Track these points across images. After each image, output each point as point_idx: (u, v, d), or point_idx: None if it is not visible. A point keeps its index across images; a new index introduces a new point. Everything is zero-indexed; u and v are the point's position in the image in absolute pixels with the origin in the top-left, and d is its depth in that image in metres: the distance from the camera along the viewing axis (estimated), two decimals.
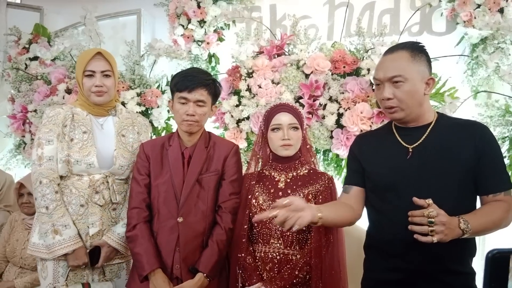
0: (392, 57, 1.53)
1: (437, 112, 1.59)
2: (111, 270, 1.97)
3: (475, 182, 1.47)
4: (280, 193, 1.73)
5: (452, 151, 1.47)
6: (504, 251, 0.72)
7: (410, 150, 1.53)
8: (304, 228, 1.66)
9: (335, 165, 2.51)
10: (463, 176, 1.46)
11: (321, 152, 2.57)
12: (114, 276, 1.97)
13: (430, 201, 1.31)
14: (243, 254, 1.73)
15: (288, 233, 1.68)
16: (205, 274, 1.75)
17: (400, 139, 1.57)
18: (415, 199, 1.32)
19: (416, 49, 1.52)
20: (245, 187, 1.83)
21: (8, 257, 2.56)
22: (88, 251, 1.86)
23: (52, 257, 1.83)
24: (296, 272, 1.64)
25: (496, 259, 0.72)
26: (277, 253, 1.69)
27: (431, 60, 1.57)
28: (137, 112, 2.82)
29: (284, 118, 1.74)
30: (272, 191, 1.75)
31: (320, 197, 1.71)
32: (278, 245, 1.70)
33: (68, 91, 2.97)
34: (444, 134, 1.51)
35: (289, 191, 1.72)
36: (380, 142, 1.63)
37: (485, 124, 2.21)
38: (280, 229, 1.68)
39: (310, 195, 1.71)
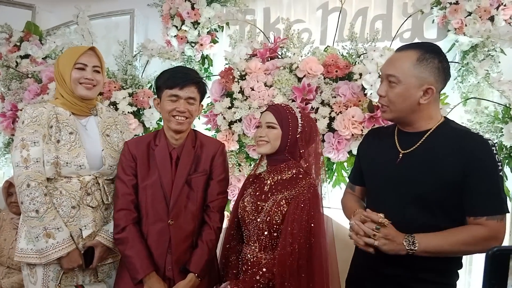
0: (399, 55, 1.48)
1: (445, 118, 1.51)
2: (103, 271, 1.94)
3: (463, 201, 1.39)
4: (263, 196, 1.70)
5: (438, 164, 1.41)
6: (504, 249, 0.73)
7: (400, 155, 1.50)
8: (276, 234, 1.63)
9: (326, 169, 2.52)
10: (443, 193, 1.39)
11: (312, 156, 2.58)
12: (105, 276, 1.94)
13: (381, 216, 1.38)
14: (228, 252, 1.77)
15: (262, 237, 1.65)
16: (196, 274, 1.75)
17: (397, 142, 1.53)
18: (368, 211, 1.41)
19: (429, 52, 1.44)
20: (243, 188, 1.83)
21: None
22: (82, 252, 1.83)
23: (45, 262, 1.77)
24: (258, 277, 1.60)
25: (497, 256, 0.73)
26: (251, 255, 1.68)
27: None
28: (128, 112, 2.82)
29: (265, 117, 1.73)
30: (257, 193, 1.73)
31: (293, 202, 1.62)
32: (254, 247, 1.68)
33: None
34: (438, 144, 1.43)
35: (269, 195, 1.69)
36: (381, 142, 1.62)
37: (474, 130, 2.25)
38: (257, 231, 1.66)
39: (284, 200, 1.64)
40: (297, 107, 1.78)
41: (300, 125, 1.71)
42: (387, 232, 1.36)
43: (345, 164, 2.49)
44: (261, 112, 1.83)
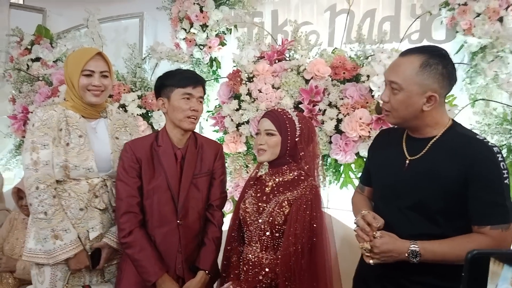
0: (402, 61, 1.43)
1: (453, 121, 1.46)
2: (109, 271, 1.95)
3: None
4: (264, 197, 1.72)
5: (440, 173, 1.37)
6: (484, 252, 0.70)
7: (407, 162, 1.47)
8: (278, 234, 1.64)
9: (334, 170, 2.52)
10: (446, 201, 1.36)
11: (320, 158, 2.59)
12: (112, 276, 1.96)
13: (379, 228, 1.39)
14: (230, 253, 1.79)
15: (264, 237, 1.67)
16: (206, 271, 1.80)
17: (404, 148, 1.50)
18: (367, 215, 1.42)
19: (433, 57, 1.38)
20: (244, 191, 1.86)
21: (6, 256, 2.56)
22: (89, 253, 1.85)
23: (53, 262, 1.79)
24: (260, 277, 1.62)
25: (476, 260, 0.70)
26: (253, 256, 1.69)
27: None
28: (137, 114, 2.84)
29: (263, 124, 1.74)
30: (258, 195, 1.75)
31: (295, 204, 1.64)
32: (255, 248, 1.69)
33: None
34: (442, 151, 1.39)
35: (271, 196, 1.70)
36: (389, 146, 1.58)
37: (482, 132, 2.24)
38: (258, 232, 1.68)
39: (286, 201, 1.66)
40: (293, 111, 1.79)
41: (298, 128, 1.73)
42: (378, 252, 1.36)
43: (353, 165, 2.49)
44: (258, 120, 1.82)
